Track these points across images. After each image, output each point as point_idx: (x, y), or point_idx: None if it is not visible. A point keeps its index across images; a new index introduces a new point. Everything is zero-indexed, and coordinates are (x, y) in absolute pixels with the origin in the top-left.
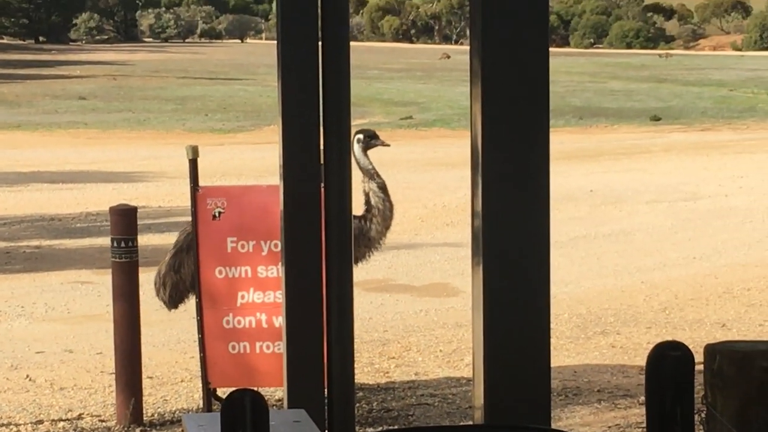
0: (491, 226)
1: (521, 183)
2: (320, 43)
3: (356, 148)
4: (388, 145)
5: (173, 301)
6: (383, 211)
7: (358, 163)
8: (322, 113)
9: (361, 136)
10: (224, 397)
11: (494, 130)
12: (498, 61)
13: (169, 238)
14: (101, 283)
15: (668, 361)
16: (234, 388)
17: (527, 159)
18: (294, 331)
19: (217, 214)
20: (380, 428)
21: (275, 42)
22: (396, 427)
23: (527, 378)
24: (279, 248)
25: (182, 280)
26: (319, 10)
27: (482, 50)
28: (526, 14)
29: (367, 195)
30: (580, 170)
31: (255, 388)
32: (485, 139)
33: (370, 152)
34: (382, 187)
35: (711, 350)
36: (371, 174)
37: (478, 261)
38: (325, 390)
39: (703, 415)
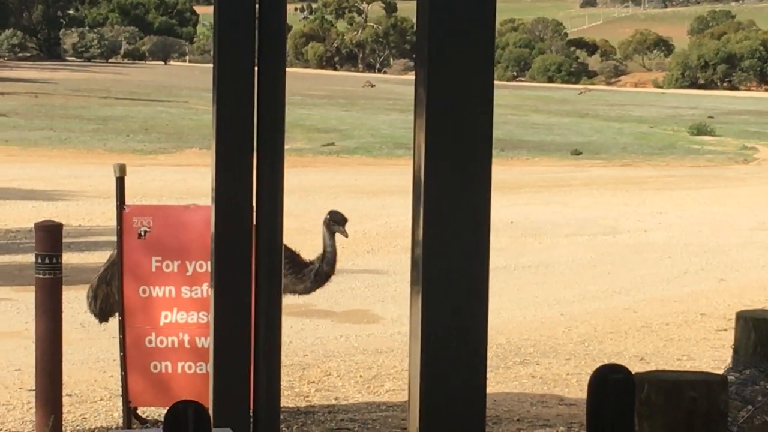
0: (431, 255)
1: (462, 213)
2: (256, 67)
3: (324, 231)
4: (346, 236)
5: (103, 314)
6: (326, 274)
7: (323, 244)
8: (255, 136)
9: (328, 216)
10: (144, 416)
11: (438, 160)
12: (444, 90)
13: (90, 257)
14: (20, 300)
15: (610, 383)
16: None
17: (469, 190)
18: (221, 351)
19: (142, 233)
20: None
21: (198, 64)
22: None
23: (463, 404)
24: (203, 269)
25: (113, 293)
26: (257, 32)
27: (428, 79)
28: (472, 45)
29: (323, 256)
30: (501, 202)
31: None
32: (427, 169)
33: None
34: (329, 263)
35: (639, 379)
36: (327, 255)
37: (418, 290)
38: (251, 411)
39: None
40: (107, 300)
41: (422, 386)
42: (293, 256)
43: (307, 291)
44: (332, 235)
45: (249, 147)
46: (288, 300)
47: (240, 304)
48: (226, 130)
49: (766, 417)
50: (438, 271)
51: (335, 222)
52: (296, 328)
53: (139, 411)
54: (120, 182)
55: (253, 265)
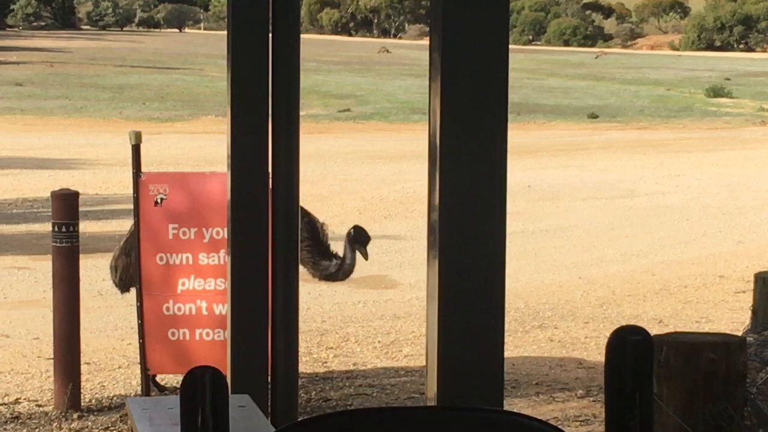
0: (448, 219)
1: (479, 177)
2: (270, 34)
3: (346, 241)
4: (366, 258)
5: (124, 284)
6: (337, 279)
7: (344, 252)
8: (271, 104)
9: (352, 232)
10: (162, 383)
11: (453, 125)
12: (458, 56)
13: (107, 226)
14: (38, 269)
15: (628, 345)
16: (172, 374)
17: (485, 154)
18: (239, 318)
19: (159, 201)
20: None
21: (213, 32)
22: None
23: (480, 368)
24: (220, 236)
25: (133, 264)
26: (270, 2)
27: (442, 45)
28: (487, 9)
29: (341, 265)
30: (518, 166)
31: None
32: (443, 134)
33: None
34: (345, 273)
35: (658, 341)
36: (346, 266)
37: (435, 254)
38: (269, 377)
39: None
40: (127, 270)
41: (440, 351)
42: (318, 240)
43: (313, 277)
44: (353, 250)
45: (264, 114)
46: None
47: (257, 271)
48: (241, 97)
49: None
50: (454, 235)
51: (357, 241)
52: (314, 294)
53: (158, 378)
54: (136, 150)
55: (270, 232)
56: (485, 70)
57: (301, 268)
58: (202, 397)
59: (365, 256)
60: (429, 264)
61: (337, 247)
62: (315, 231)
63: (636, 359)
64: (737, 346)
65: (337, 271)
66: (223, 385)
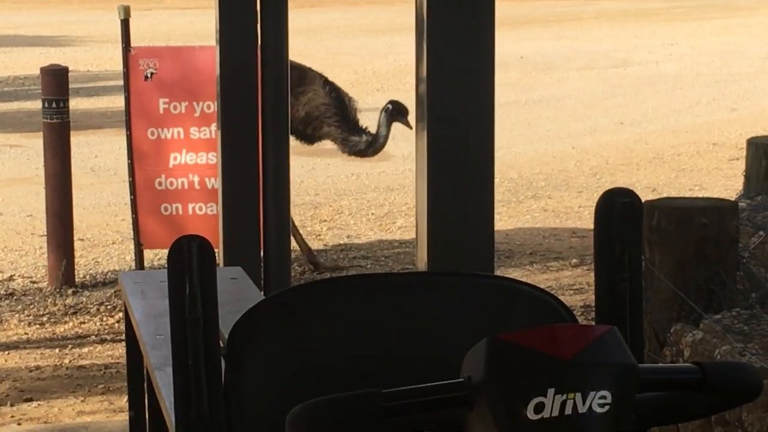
0: (436, 90)
1: (466, 47)
2: None
3: (382, 116)
4: (411, 128)
5: None
6: (365, 156)
7: (377, 127)
8: None
9: (390, 106)
10: (157, 258)
11: None
12: None
13: (98, 102)
14: (30, 146)
15: (617, 207)
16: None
17: (472, 23)
18: (229, 192)
19: (149, 75)
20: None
21: None
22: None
23: (471, 239)
24: (211, 110)
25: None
26: None
27: None
28: None
29: (372, 142)
30: (511, 37)
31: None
32: (429, 3)
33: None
34: (375, 151)
35: (649, 207)
36: (377, 144)
37: (423, 126)
38: (261, 249)
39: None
40: None
41: (429, 222)
42: (346, 114)
43: (342, 153)
44: (389, 124)
45: None
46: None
47: (247, 144)
48: None
49: None
50: (442, 105)
51: (398, 112)
52: (307, 168)
53: (151, 253)
54: (125, 24)
55: (260, 105)
56: None
57: (330, 144)
58: (189, 265)
59: (409, 125)
60: (417, 135)
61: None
62: (343, 105)
63: (625, 221)
64: (729, 210)
65: (367, 147)
66: (211, 253)
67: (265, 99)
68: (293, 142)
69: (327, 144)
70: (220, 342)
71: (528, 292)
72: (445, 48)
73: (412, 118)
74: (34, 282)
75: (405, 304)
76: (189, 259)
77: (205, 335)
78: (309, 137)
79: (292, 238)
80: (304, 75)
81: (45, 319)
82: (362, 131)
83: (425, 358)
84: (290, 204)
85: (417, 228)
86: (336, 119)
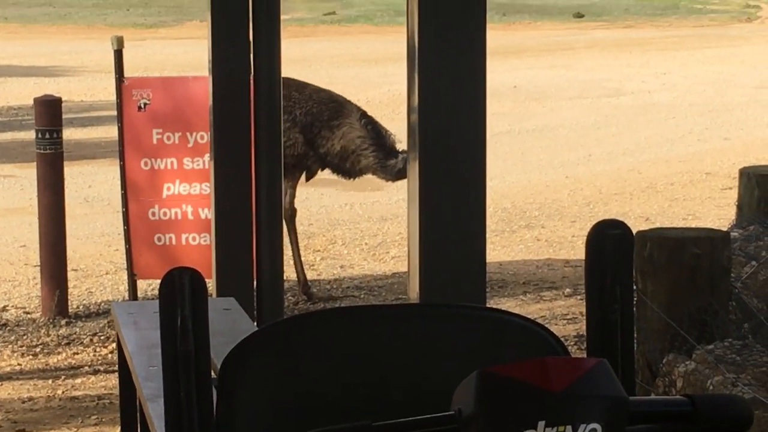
0: (428, 120)
1: (458, 77)
2: None
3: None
4: None
5: None
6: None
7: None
8: (251, 5)
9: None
10: (150, 289)
11: (430, 24)
12: None
13: (92, 132)
14: (24, 176)
15: (608, 239)
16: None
17: (463, 53)
18: (222, 222)
19: (142, 105)
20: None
21: None
22: None
23: (463, 269)
24: (205, 140)
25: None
26: None
27: None
28: None
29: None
30: (504, 66)
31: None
32: (421, 34)
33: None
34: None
35: (641, 237)
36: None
37: (415, 156)
38: (254, 280)
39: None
40: None
41: (421, 252)
42: (381, 142)
43: (387, 181)
44: None
45: (244, 16)
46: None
47: (240, 174)
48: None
49: None
50: (434, 136)
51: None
52: (301, 198)
53: (144, 284)
54: (118, 55)
55: (253, 135)
56: None
57: (374, 178)
58: (180, 298)
59: None
60: (409, 165)
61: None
62: (379, 135)
63: (616, 253)
64: (721, 240)
65: (405, 164)
66: (202, 286)
67: (259, 129)
68: (333, 176)
69: (322, 173)
70: (213, 373)
71: (519, 324)
72: (436, 78)
73: (404, 144)
74: (27, 312)
75: (396, 336)
76: (181, 291)
77: (197, 368)
78: (349, 172)
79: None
80: (341, 108)
81: (38, 349)
82: (398, 152)
83: (417, 390)
84: (283, 234)
85: (409, 258)
86: (372, 149)
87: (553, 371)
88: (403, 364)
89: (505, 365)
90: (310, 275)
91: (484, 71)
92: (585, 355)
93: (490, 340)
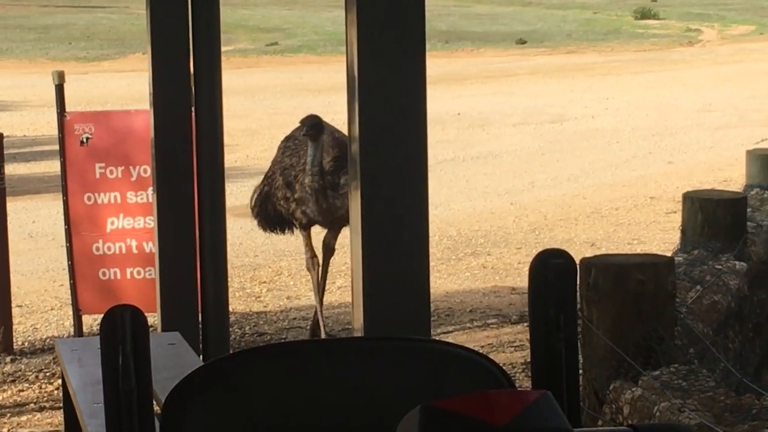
0: (368, 150)
1: (397, 106)
2: None
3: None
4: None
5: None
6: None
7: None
8: (192, 38)
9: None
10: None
11: (370, 52)
12: None
13: (35, 167)
14: None
15: (551, 269)
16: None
17: (403, 82)
18: (166, 256)
19: (84, 140)
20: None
21: None
22: None
23: (407, 298)
24: (148, 174)
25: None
26: None
27: None
28: None
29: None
30: (447, 94)
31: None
32: (361, 63)
33: None
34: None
35: (586, 264)
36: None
37: (357, 185)
38: (199, 314)
39: (579, 329)
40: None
41: (365, 283)
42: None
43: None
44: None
45: (185, 49)
46: (237, 201)
47: (183, 208)
48: (160, 33)
49: (715, 297)
50: (375, 165)
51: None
52: (246, 229)
53: (90, 319)
54: (59, 89)
55: (195, 168)
56: None
57: None
58: (122, 335)
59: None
60: (351, 196)
61: None
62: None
63: (559, 282)
64: (665, 266)
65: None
66: (144, 323)
67: (201, 162)
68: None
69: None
70: (158, 408)
71: (464, 356)
72: (377, 107)
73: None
74: None
75: (340, 370)
76: (122, 329)
77: (139, 406)
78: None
79: (233, 298)
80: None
81: None
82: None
83: (360, 425)
84: (227, 267)
85: (352, 289)
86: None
87: (496, 405)
88: (346, 399)
89: (448, 399)
90: (256, 307)
91: (424, 99)
92: (531, 385)
93: (434, 373)
